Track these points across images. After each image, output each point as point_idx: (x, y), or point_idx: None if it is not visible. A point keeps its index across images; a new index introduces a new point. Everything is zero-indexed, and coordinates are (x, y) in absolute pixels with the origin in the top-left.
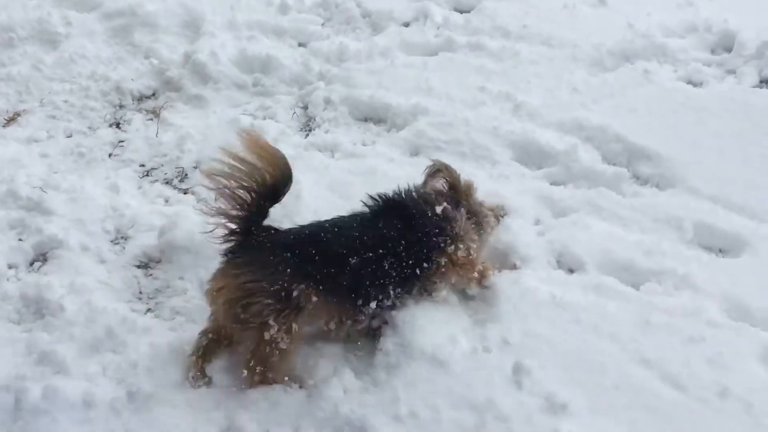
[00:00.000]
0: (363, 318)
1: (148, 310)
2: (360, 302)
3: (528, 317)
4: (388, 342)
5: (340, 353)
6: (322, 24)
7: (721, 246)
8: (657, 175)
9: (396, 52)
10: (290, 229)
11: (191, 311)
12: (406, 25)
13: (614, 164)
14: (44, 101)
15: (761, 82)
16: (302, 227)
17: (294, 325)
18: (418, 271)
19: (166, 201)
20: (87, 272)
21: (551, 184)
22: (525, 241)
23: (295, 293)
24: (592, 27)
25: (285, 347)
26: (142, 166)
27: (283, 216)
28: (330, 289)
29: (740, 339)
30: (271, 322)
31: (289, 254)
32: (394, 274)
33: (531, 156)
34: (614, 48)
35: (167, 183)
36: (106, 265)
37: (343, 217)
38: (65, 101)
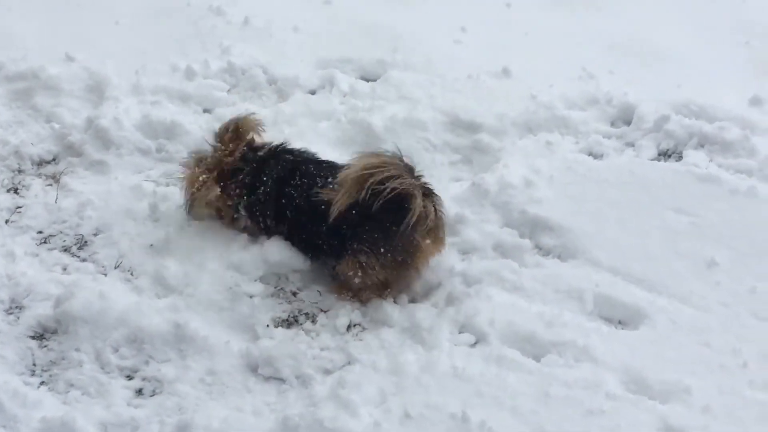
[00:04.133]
0: None
1: (42, 383)
2: None
3: (430, 389)
4: (289, 414)
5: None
6: (228, 90)
7: (621, 318)
8: (559, 246)
9: (301, 119)
10: None
11: (87, 384)
12: (313, 92)
13: (517, 235)
14: None
15: (659, 155)
16: None
17: None
18: None
19: (64, 269)
20: None
21: (459, 252)
22: (427, 313)
23: None
24: (496, 97)
25: None
26: (40, 233)
27: (186, 285)
28: None
29: (638, 412)
30: None
31: None
32: None
33: None
34: (518, 119)
35: (66, 250)
36: None
37: None
38: None
